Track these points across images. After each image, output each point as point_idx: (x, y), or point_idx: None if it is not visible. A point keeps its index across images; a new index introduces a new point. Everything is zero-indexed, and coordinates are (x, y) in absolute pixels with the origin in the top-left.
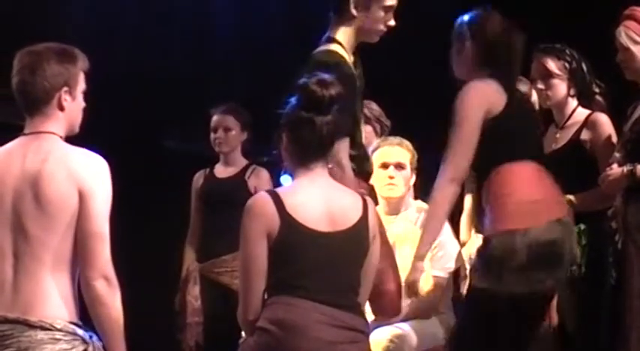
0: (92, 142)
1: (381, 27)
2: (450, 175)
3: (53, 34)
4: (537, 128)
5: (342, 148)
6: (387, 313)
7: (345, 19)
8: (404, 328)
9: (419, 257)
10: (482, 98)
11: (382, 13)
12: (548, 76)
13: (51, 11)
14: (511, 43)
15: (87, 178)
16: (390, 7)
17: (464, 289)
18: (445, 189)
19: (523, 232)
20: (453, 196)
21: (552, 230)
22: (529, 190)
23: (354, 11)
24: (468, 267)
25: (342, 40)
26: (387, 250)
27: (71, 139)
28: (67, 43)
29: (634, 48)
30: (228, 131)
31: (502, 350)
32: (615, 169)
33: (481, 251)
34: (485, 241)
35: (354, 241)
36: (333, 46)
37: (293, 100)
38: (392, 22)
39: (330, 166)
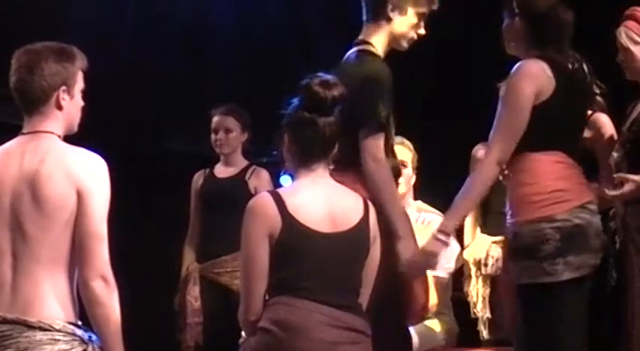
0: (93, 142)
1: (413, 34)
2: (495, 157)
3: (53, 33)
4: (581, 114)
5: (377, 143)
6: (416, 316)
7: (380, 22)
8: None
9: (443, 231)
10: (533, 81)
11: (416, 20)
12: None
13: (51, 11)
14: (560, 18)
15: (85, 177)
16: (424, 14)
17: (468, 289)
18: (489, 171)
19: (549, 219)
20: (493, 179)
21: (576, 216)
22: (552, 181)
23: (390, 14)
24: (472, 267)
25: (376, 44)
26: None
27: (72, 140)
28: (67, 43)
29: (634, 48)
30: (228, 132)
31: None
32: (624, 188)
33: (510, 245)
34: (513, 234)
35: (355, 242)
36: (368, 47)
37: (295, 100)
38: (422, 31)
39: (331, 167)
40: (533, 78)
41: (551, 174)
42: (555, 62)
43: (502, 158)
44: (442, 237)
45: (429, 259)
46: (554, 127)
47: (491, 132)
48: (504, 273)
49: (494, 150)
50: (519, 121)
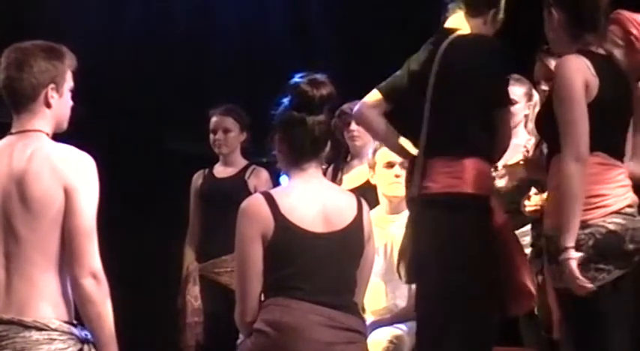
0: (92, 142)
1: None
2: (572, 156)
3: (53, 35)
4: (625, 110)
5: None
6: (524, 308)
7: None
8: (403, 328)
9: (565, 249)
10: (581, 75)
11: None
12: (551, 77)
13: (51, 12)
14: (595, 2)
15: (71, 175)
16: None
17: None
18: (572, 172)
19: (583, 225)
20: (581, 174)
21: (611, 221)
22: (589, 185)
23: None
24: None
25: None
26: (519, 245)
27: (72, 140)
28: (67, 43)
29: (615, 51)
30: (227, 132)
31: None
32: None
33: (545, 249)
34: (546, 237)
35: (349, 241)
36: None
37: (285, 100)
38: None
39: (324, 166)
40: (580, 72)
41: (590, 177)
42: (597, 56)
43: (578, 153)
44: (569, 255)
45: (571, 280)
46: (599, 127)
47: (561, 138)
48: (548, 275)
49: (568, 150)
50: (582, 115)
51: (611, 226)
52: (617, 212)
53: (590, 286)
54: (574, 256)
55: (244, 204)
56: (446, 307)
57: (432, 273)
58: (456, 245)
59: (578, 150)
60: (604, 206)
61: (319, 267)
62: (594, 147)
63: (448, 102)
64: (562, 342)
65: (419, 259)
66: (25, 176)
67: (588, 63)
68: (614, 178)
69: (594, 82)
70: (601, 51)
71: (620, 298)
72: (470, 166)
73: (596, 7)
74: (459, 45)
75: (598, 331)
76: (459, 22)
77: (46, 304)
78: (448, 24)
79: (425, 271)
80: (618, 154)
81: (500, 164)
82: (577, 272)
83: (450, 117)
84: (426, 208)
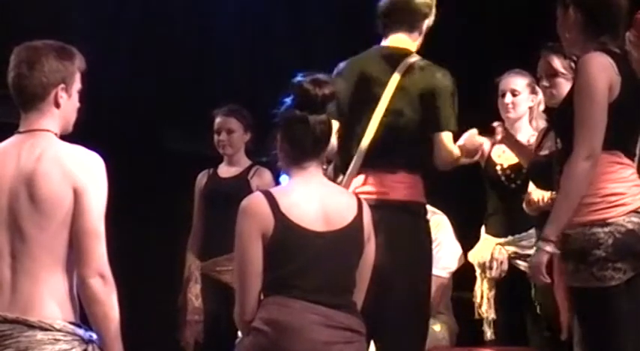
0: (93, 142)
1: None
2: (583, 153)
3: (53, 33)
4: (638, 111)
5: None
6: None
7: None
8: None
9: (546, 239)
10: (606, 75)
11: None
12: (553, 74)
13: (50, 11)
14: (615, 3)
15: (81, 175)
16: None
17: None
18: (579, 169)
19: (602, 223)
20: (588, 173)
21: (630, 221)
22: (607, 183)
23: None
24: (477, 269)
25: None
26: None
27: (72, 139)
28: (67, 42)
29: (635, 53)
30: (231, 133)
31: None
32: None
33: (561, 247)
34: (563, 235)
35: (348, 241)
36: None
37: (287, 99)
38: None
39: (325, 167)
40: (605, 71)
41: (607, 175)
42: (618, 56)
43: (591, 151)
44: (547, 247)
45: (535, 269)
46: (618, 126)
47: (575, 134)
48: (559, 275)
49: (581, 147)
50: (601, 115)
51: (630, 226)
52: (635, 212)
53: (548, 280)
54: (551, 251)
55: (244, 202)
56: (429, 306)
57: (418, 275)
58: (429, 248)
59: (591, 149)
60: (623, 205)
61: (318, 266)
62: (614, 145)
63: (402, 121)
64: (575, 342)
65: (397, 259)
66: (35, 177)
67: (612, 61)
68: (629, 178)
69: (617, 80)
70: (617, 50)
71: (633, 298)
72: (421, 180)
73: (615, 9)
74: (419, 69)
75: (612, 331)
76: (401, 40)
77: (51, 304)
78: (393, 42)
79: (409, 271)
80: (632, 154)
81: (504, 163)
82: (543, 266)
83: (403, 135)
84: (400, 213)
